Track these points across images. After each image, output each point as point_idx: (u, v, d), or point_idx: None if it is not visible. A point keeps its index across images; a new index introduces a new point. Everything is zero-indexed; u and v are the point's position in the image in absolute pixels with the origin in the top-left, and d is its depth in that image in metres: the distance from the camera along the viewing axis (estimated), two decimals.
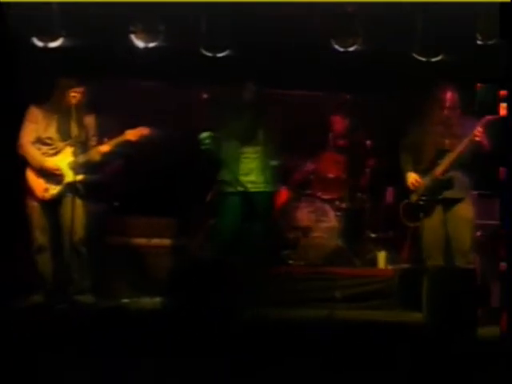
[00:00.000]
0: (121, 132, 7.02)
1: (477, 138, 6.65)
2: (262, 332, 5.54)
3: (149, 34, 7.49)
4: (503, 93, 6.26)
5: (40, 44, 7.48)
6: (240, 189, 6.91)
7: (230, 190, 7.02)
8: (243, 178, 6.97)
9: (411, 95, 7.89)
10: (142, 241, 7.83)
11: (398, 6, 7.12)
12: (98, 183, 7.28)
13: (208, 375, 4.60)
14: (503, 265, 6.38)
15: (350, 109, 8.61)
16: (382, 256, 8.03)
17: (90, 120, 6.99)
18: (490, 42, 7.36)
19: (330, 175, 8.24)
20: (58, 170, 6.81)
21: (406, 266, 7.96)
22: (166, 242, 7.84)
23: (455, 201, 6.87)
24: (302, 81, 7.97)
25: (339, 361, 4.88)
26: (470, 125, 6.79)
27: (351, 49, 7.50)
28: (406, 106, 7.91)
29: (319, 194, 8.09)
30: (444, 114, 6.86)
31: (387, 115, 8.41)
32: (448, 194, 6.87)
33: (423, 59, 7.54)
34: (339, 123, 8.59)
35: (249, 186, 6.97)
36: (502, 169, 6.71)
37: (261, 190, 7.05)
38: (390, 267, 7.98)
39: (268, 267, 7.07)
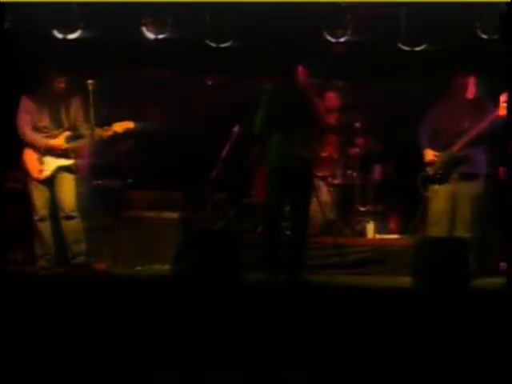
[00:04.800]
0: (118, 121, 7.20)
1: (502, 112, 6.61)
2: (263, 295, 5.61)
3: (158, 27, 7.55)
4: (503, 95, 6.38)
5: (60, 36, 7.57)
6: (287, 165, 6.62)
7: (278, 171, 6.70)
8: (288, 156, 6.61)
9: (396, 81, 8.05)
10: (153, 214, 7.92)
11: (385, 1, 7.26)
12: (109, 163, 7.54)
13: (210, 334, 4.61)
14: (503, 265, 6.55)
15: (341, 93, 8.66)
16: (370, 227, 8.13)
17: (76, 104, 7.08)
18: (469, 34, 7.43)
19: (324, 154, 8.14)
20: (62, 145, 7.01)
21: (393, 236, 8.11)
22: (175, 214, 7.93)
23: (471, 176, 6.96)
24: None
25: (336, 324, 4.86)
26: (489, 108, 6.87)
27: (342, 40, 7.58)
28: (390, 91, 8.06)
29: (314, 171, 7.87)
30: (465, 100, 6.98)
31: (374, 99, 8.41)
32: (463, 169, 6.96)
33: (407, 49, 7.59)
34: (333, 99, 8.57)
35: (292, 162, 6.61)
36: (502, 169, 6.85)
37: (303, 167, 6.71)
38: (377, 237, 8.10)
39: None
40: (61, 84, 6.99)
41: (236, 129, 8.20)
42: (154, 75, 8.85)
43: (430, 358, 4.38)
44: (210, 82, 8.86)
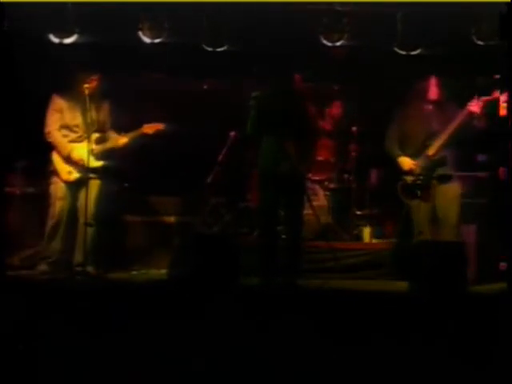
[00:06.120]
0: (135, 124, 7.24)
1: (472, 108, 6.69)
2: (260, 299, 5.74)
3: (155, 31, 7.55)
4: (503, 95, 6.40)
5: (56, 40, 7.57)
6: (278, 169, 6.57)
7: (269, 174, 6.68)
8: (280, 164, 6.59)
9: (392, 86, 8.06)
10: (149, 218, 7.92)
11: (381, 5, 7.25)
12: (114, 167, 7.45)
13: (207, 337, 4.71)
14: (503, 265, 6.54)
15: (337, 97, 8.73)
16: (367, 231, 8.15)
17: (105, 108, 7.17)
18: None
19: (320, 158, 8.00)
20: (81, 160, 6.98)
21: (389, 240, 8.03)
22: (172, 218, 7.94)
23: (447, 177, 6.91)
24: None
25: (332, 328, 4.95)
26: (454, 110, 6.88)
27: (338, 43, 7.57)
28: (387, 96, 8.07)
29: (310, 175, 7.86)
30: (428, 101, 6.96)
31: (371, 104, 8.38)
32: (441, 171, 6.90)
33: (403, 53, 7.60)
34: (338, 108, 8.68)
35: (284, 166, 6.58)
36: (502, 169, 6.86)
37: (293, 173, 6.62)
38: (374, 241, 8.11)
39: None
40: (93, 87, 7.00)
41: (233, 133, 8.22)
42: (150, 79, 8.83)
43: (426, 361, 4.44)
44: (206, 86, 8.87)
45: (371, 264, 7.65)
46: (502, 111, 6.49)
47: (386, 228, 8.41)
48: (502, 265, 6.55)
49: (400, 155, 7.05)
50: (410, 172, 7.00)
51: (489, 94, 6.80)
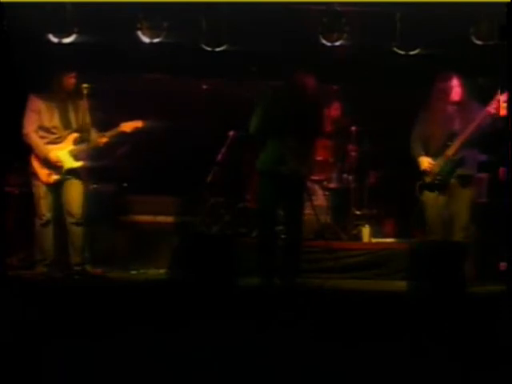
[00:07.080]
0: (117, 124, 7.10)
1: (492, 111, 6.61)
2: (259, 299, 5.71)
3: (154, 31, 7.57)
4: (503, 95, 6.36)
5: (55, 40, 7.60)
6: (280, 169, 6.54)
7: (269, 173, 6.64)
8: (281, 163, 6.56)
9: (392, 85, 8.09)
10: (148, 218, 7.90)
11: (381, 5, 7.30)
12: (105, 167, 7.45)
13: (207, 339, 4.61)
14: (503, 265, 6.54)
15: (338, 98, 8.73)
16: (366, 231, 8.14)
17: (84, 106, 6.97)
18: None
19: (319, 158, 8.04)
20: (58, 161, 6.89)
21: (389, 240, 8.12)
22: (171, 218, 7.91)
23: (467, 178, 6.87)
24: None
25: (331, 328, 4.92)
26: (476, 110, 6.79)
27: (337, 43, 7.62)
28: (387, 95, 8.10)
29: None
30: (450, 102, 6.90)
31: (370, 103, 8.39)
32: (460, 171, 6.85)
33: (402, 52, 7.64)
34: (336, 110, 8.67)
35: (285, 170, 6.55)
36: (502, 169, 6.86)
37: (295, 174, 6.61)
38: (373, 241, 8.12)
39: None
40: (70, 85, 6.90)
41: (232, 133, 8.22)
42: (149, 79, 8.84)
43: (426, 361, 4.42)
44: (205, 86, 8.87)
45: (371, 264, 7.66)
46: (502, 111, 6.47)
47: (386, 228, 8.46)
48: (502, 265, 6.56)
49: (421, 155, 7.01)
50: (427, 171, 6.95)
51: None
